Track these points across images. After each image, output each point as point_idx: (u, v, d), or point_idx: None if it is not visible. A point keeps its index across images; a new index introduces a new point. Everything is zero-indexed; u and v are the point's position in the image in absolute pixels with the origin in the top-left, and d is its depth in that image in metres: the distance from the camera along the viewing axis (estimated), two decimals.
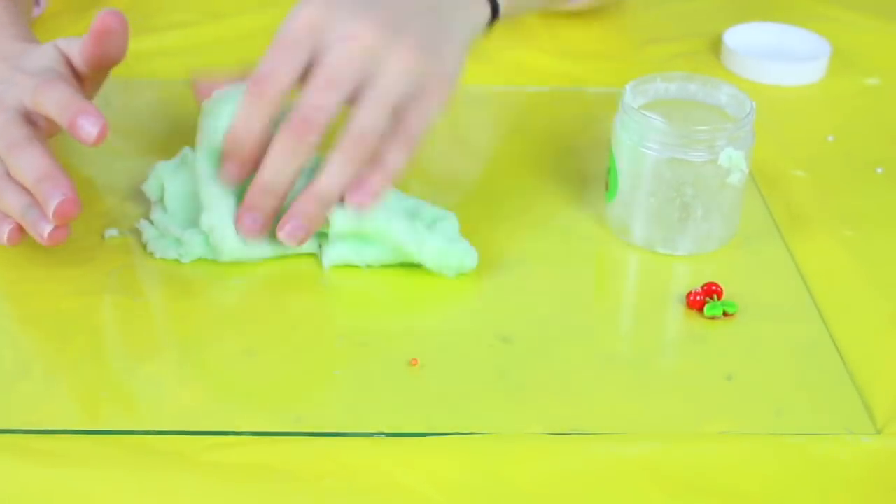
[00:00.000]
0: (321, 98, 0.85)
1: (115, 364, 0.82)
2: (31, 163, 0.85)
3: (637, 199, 0.91)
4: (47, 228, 0.84)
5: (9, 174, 0.86)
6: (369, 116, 0.85)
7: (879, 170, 1.04)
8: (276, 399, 0.79)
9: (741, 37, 1.19)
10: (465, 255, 0.88)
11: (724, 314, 0.86)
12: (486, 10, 0.95)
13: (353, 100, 0.85)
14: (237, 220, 0.87)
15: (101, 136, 0.84)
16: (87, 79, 0.92)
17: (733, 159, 0.89)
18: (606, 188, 0.93)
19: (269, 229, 0.87)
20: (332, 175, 0.85)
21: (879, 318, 0.88)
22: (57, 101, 0.85)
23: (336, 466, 0.74)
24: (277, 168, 0.85)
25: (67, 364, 0.81)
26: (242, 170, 0.86)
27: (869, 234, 0.96)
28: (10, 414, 0.77)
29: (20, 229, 0.86)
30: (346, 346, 0.83)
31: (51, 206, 0.83)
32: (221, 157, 0.87)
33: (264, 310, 0.86)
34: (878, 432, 0.79)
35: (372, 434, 0.77)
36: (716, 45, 1.19)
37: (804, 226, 0.96)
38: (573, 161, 1.03)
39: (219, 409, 0.78)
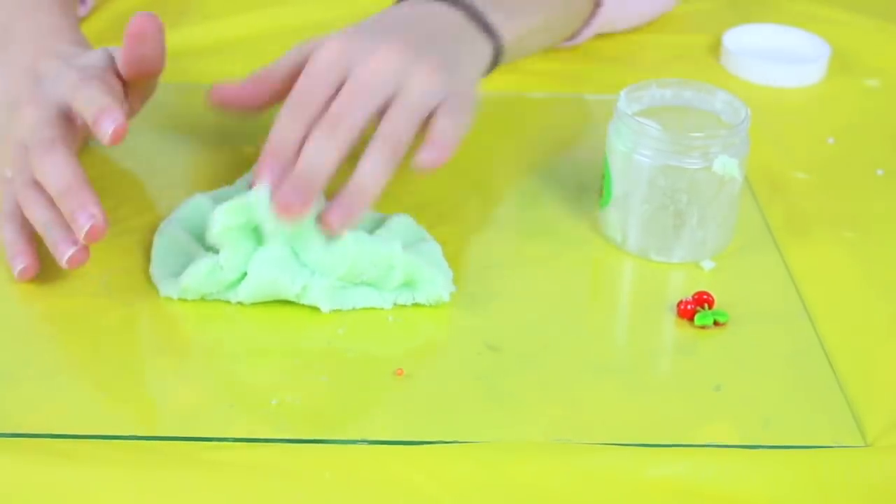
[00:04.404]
0: (351, 100, 0.86)
1: (113, 367, 0.82)
2: (55, 170, 0.85)
3: (631, 206, 0.91)
4: (68, 252, 0.85)
5: (35, 181, 0.87)
6: (400, 118, 0.86)
7: (880, 171, 1.04)
8: (262, 404, 0.79)
9: (741, 38, 1.19)
10: (443, 285, 0.87)
11: (715, 323, 0.86)
12: (489, 51, 0.96)
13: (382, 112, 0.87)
14: (276, 201, 0.84)
15: (117, 136, 0.85)
16: (133, 86, 0.93)
17: (727, 166, 0.88)
18: (600, 195, 0.93)
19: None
20: (367, 171, 0.85)
21: (874, 329, 0.87)
22: (87, 98, 0.86)
23: (335, 464, 0.74)
24: (312, 157, 0.85)
25: (68, 367, 0.82)
26: (281, 169, 0.85)
27: (869, 235, 0.96)
28: (10, 417, 0.78)
29: (33, 267, 0.87)
30: (332, 353, 0.83)
31: (79, 229, 0.83)
32: (258, 162, 0.86)
33: (255, 318, 0.86)
34: (868, 445, 0.78)
35: (355, 442, 0.77)
36: (715, 47, 1.19)
37: (804, 229, 0.96)
38: (569, 167, 1.02)
39: (210, 414, 0.79)
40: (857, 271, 0.92)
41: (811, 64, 1.16)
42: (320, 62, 0.88)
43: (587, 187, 0.98)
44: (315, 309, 0.86)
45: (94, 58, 0.92)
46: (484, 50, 0.95)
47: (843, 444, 0.78)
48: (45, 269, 0.88)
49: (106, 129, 0.84)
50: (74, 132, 0.89)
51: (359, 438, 0.77)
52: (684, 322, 0.87)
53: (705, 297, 0.87)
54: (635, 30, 1.20)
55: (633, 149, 0.89)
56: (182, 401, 0.79)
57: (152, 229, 0.91)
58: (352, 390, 0.81)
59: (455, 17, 0.94)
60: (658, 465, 0.75)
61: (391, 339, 0.85)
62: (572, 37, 1.13)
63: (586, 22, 1.13)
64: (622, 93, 0.91)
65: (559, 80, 1.14)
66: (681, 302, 0.87)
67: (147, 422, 0.78)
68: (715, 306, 0.87)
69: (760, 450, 0.77)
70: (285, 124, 0.86)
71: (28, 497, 0.73)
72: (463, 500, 0.73)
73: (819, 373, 0.84)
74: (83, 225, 0.83)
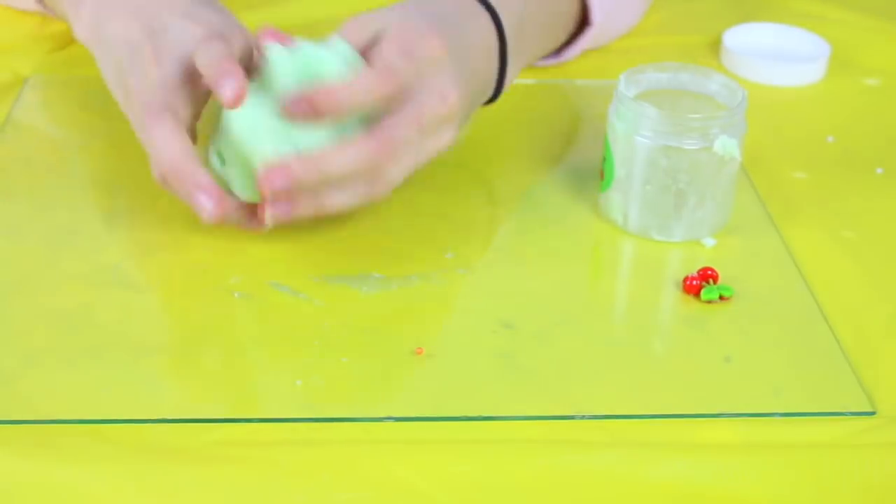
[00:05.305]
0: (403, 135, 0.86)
1: (117, 358, 0.82)
2: (161, 144, 0.85)
3: (633, 186, 0.92)
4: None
5: None
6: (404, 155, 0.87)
7: (879, 170, 1.04)
8: (282, 387, 0.80)
9: (741, 37, 1.19)
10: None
11: (721, 298, 0.87)
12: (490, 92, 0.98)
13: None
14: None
15: (238, 99, 0.84)
16: None
17: (727, 147, 0.90)
18: (601, 177, 0.94)
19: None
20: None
21: (874, 302, 0.89)
22: (209, 59, 0.85)
23: (335, 464, 0.75)
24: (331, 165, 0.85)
25: (71, 358, 0.82)
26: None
27: (868, 234, 0.96)
28: (14, 406, 0.78)
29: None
30: (349, 335, 0.84)
31: (200, 209, 0.84)
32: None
33: (267, 303, 0.87)
34: (875, 411, 0.79)
35: (382, 419, 0.78)
36: (715, 46, 1.20)
37: (803, 226, 0.96)
38: (564, 152, 1.04)
39: (225, 401, 0.79)
40: (857, 267, 0.92)
41: (811, 63, 1.17)
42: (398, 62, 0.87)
43: (583, 171, 1.00)
44: (328, 294, 0.87)
45: (217, 16, 0.91)
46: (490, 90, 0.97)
47: (852, 411, 0.79)
48: (52, 261, 0.89)
49: (226, 92, 0.84)
50: (197, 91, 0.89)
51: (386, 416, 0.78)
52: (690, 297, 0.88)
53: (710, 272, 0.88)
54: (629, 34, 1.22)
55: (635, 131, 0.90)
56: (209, 386, 0.80)
57: (154, 225, 0.93)
58: (374, 370, 0.82)
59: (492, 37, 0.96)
60: (658, 465, 0.75)
61: (406, 320, 0.86)
62: (557, 54, 1.14)
63: (574, 40, 1.13)
64: (622, 76, 0.93)
65: (556, 77, 1.14)
66: (686, 278, 0.88)
67: (169, 407, 0.78)
68: (719, 282, 0.88)
69: (761, 447, 0.77)
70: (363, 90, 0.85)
71: (27, 491, 0.73)
72: (463, 500, 0.73)
73: (824, 344, 0.85)
74: (203, 206, 0.84)
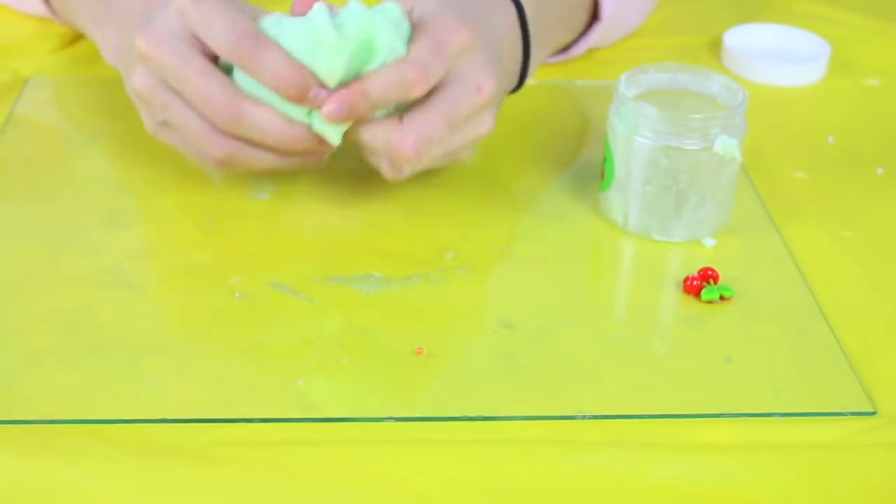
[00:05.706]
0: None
1: (118, 357, 0.82)
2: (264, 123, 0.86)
3: (633, 187, 0.92)
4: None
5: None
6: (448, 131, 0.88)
7: (880, 170, 1.04)
8: (283, 388, 0.80)
9: (741, 37, 1.20)
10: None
11: (721, 298, 0.87)
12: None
13: None
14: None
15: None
16: None
17: (728, 147, 0.90)
18: (602, 177, 0.94)
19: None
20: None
21: (874, 303, 0.88)
22: (275, 72, 0.84)
23: (335, 464, 0.75)
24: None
25: (73, 357, 0.82)
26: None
27: (868, 234, 0.96)
28: (15, 405, 0.78)
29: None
30: (349, 335, 0.84)
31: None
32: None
33: (267, 303, 0.87)
34: (876, 411, 0.79)
35: (382, 419, 0.77)
36: (716, 46, 1.20)
37: (803, 226, 0.96)
38: (564, 152, 1.04)
39: (225, 401, 0.79)
40: (857, 268, 0.92)
41: (811, 64, 1.17)
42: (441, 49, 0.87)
43: (583, 171, 1.00)
44: (328, 295, 0.87)
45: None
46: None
47: (853, 411, 0.79)
48: (52, 260, 0.89)
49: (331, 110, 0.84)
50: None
51: (386, 416, 0.78)
52: (690, 298, 0.88)
53: (710, 272, 0.88)
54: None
55: (635, 131, 0.90)
56: (209, 386, 0.80)
57: (154, 225, 0.93)
58: (375, 370, 0.81)
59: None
60: (658, 465, 0.75)
61: (406, 320, 0.85)
62: (564, 50, 1.14)
63: (581, 37, 1.14)
64: (622, 76, 0.93)
65: (555, 77, 1.14)
66: (687, 278, 0.88)
67: (169, 407, 0.78)
68: (719, 282, 0.88)
69: (761, 447, 0.77)
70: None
71: (27, 491, 0.73)
72: (463, 500, 0.73)
73: (824, 344, 0.85)
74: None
